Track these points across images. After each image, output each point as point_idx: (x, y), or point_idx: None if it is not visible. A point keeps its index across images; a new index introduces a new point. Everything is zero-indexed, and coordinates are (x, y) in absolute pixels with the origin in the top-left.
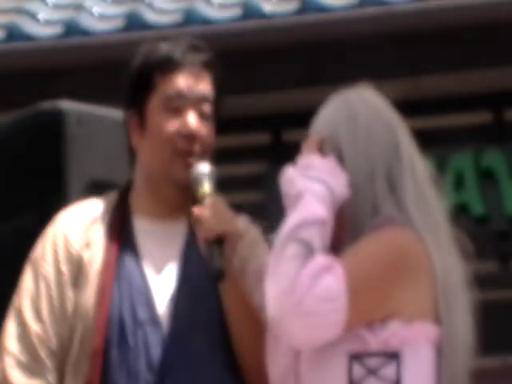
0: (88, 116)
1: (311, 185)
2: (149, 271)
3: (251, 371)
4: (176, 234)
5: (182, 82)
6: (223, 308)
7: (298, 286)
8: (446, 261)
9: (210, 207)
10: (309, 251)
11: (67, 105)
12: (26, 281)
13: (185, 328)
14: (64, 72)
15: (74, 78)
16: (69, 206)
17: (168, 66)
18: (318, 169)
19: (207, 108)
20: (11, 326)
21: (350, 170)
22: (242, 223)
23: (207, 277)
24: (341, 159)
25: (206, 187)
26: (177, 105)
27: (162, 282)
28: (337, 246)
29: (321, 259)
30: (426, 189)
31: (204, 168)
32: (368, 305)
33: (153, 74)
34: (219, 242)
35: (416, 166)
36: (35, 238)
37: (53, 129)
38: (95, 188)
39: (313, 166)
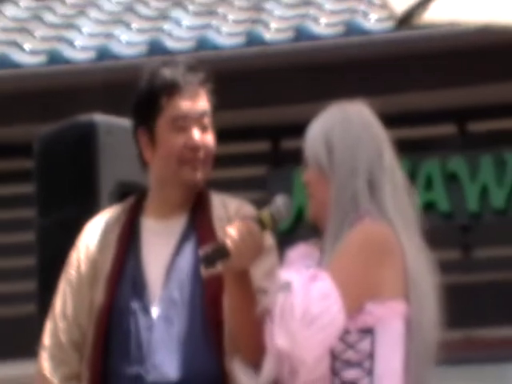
0: (116, 127)
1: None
2: (147, 265)
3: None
4: (175, 229)
5: (185, 104)
6: (206, 295)
7: (295, 305)
8: (415, 250)
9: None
10: (289, 285)
11: (99, 117)
12: (60, 285)
13: (169, 313)
14: (97, 90)
15: (105, 94)
16: (99, 206)
17: (171, 90)
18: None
19: (207, 120)
20: (48, 323)
21: (337, 164)
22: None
23: (195, 267)
24: (331, 157)
25: (267, 216)
26: (181, 124)
27: (156, 274)
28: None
29: (304, 273)
30: (402, 193)
31: (280, 203)
32: (358, 291)
33: (159, 99)
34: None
35: (395, 174)
36: (73, 230)
37: (87, 137)
38: (122, 187)
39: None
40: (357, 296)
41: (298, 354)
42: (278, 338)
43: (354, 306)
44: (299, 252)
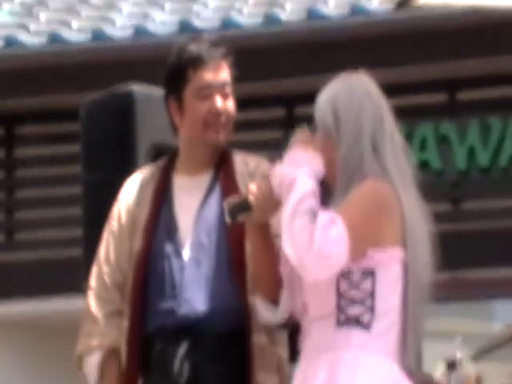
0: (151, 95)
1: (300, 169)
2: (179, 215)
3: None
4: (202, 184)
5: (209, 75)
6: (230, 240)
7: (315, 240)
8: (412, 203)
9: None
10: (314, 215)
11: (136, 87)
12: (104, 235)
13: (198, 256)
14: (135, 63)
15: (142, 67)
16: (137, 165)
17: (197, 63)
18: (302, 158)
19: (228, 90)
20: (94, 267)
21: (343, 129)
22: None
23: (220, 215)
24: (337, 122)
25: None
26: (206, 93)
27: (186, 222)
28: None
29: (325, 215)
30: (401, 154)
31: None
32: (361, 238)
33: (186, 71)
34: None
35: (395, 137)
36: (114, 186)
37: (126, 105)
38: (156, 149)
39: (298, 157)
40: (361, 243)
41: (301, 273)
42: (286, 247)
43: (358, 251)
44: (307, 154)
